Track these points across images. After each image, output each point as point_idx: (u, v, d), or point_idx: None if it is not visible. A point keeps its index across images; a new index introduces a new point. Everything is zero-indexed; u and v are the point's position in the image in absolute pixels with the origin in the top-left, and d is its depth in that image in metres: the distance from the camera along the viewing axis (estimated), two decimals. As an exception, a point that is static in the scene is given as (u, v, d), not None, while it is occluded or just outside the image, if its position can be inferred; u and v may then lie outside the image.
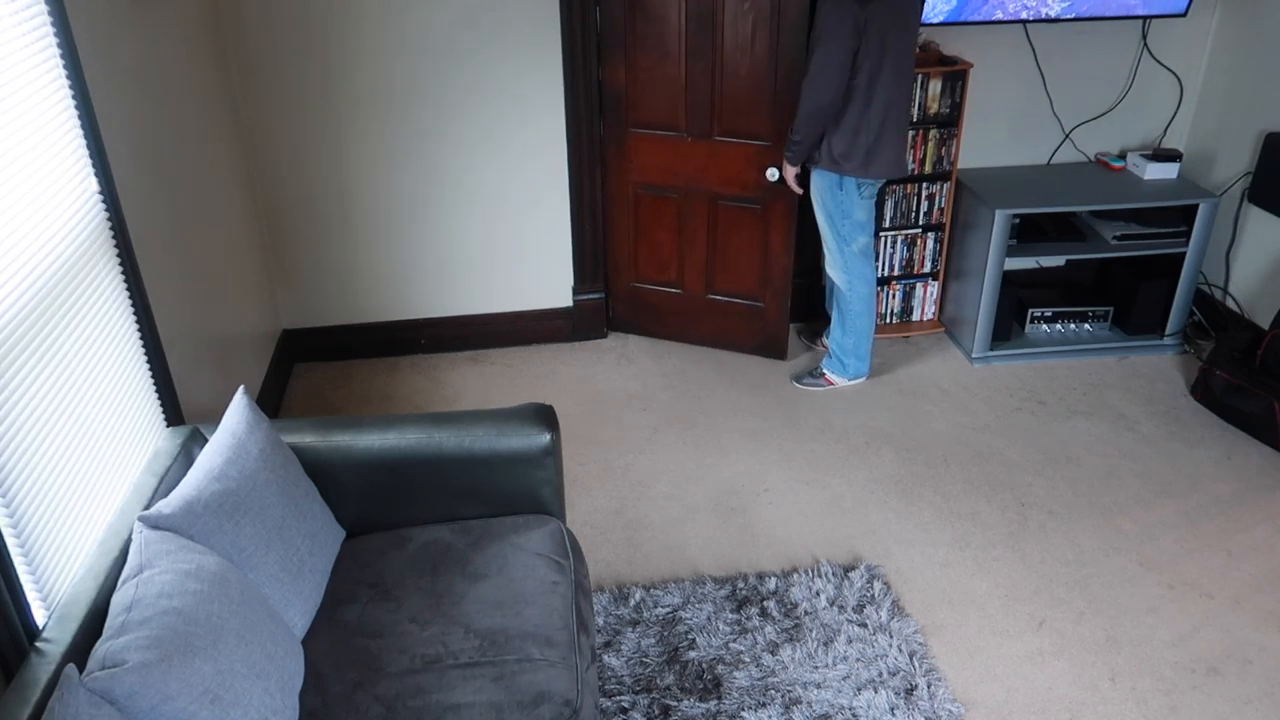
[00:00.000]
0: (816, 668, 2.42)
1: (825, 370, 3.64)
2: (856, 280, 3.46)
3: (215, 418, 2.15)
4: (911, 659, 2.45)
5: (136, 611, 1.53)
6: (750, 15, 3.38)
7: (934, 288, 4.02)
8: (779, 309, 3.80)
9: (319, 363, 3.89)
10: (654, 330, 4.05)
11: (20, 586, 1.61)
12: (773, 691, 2.35)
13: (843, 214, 3.35)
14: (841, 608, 2.60)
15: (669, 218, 3.81)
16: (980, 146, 3.98)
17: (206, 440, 2.09)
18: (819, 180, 3.35)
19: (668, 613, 2.59)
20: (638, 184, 3.78)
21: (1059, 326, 3.93)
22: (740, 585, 2.69)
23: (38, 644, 1.59)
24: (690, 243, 3.83)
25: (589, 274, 3.91)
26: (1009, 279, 3.75)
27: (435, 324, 3.92)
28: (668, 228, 3.83)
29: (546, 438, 2.18)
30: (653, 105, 3.63)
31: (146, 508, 1.89)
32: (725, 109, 3.57)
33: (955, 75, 3.63)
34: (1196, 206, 3.62)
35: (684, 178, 3.72)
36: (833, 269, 3.50)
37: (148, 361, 2.29)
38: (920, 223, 3.89)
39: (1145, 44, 3.87)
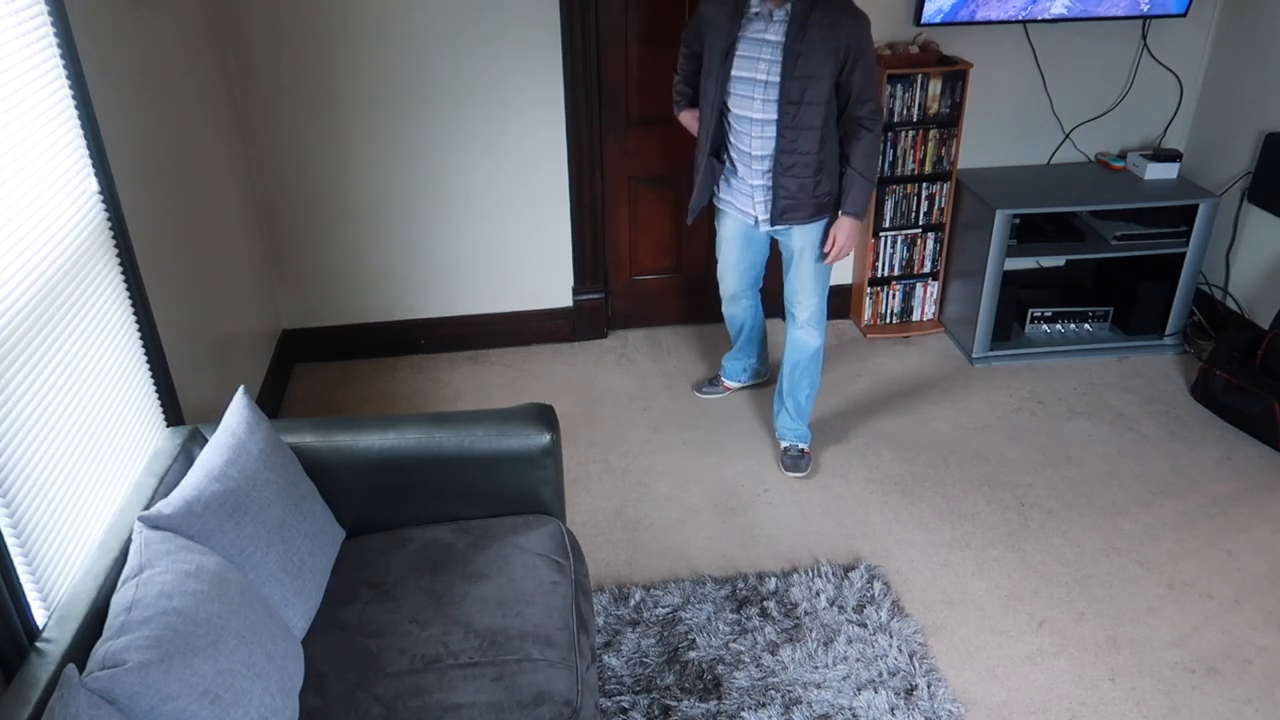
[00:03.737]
0: (816, 668, 2.42)
1: (724, 378, 3.59)
2: (822, 333, 3.07)
3: (215, 418, 2.15)
4: (911, 659, 2.44)
5: (136, 611, 1.53)
6: None
7: (934, 288, 4.02)
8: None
9: (319, 363, 3.89)
10: (655, 320, 4.11)
11: (20, 586, 1.61)
12: (773, 692, 2.35)
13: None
14: (841, 608, 2.60)
15: (668, 206, 3.88)
16: (980, 146, 3.98)
17: (206, 440, 2.09)
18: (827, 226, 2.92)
19: (668, 613, 2.59)
20: (636, 178, 3.81)
21: (1059, 327, 3.93)
22: (740, 585, 2.69)
23: (38, 644, 1.59)
24: (692, 225, 3.87)
25: (589, 273, 3.92)
26: (1009, 279, 3.75)
27: (435, 324, 3.91)
28: (666, 216, 3.90)
29: (546, 438, 2.18)
30: (654, 97, 3.66)
31: (146, 508, 1.89)
32: None
33: (955, 75, 3.63)
34: (1196, 207, 3.62)
35: (685, 165, 3.75)
36: (811, 328, 3.02)
37: (148, 361, 2.29)
38: (920, 223, 3.88)
39: (1145, 44, 3.87)
